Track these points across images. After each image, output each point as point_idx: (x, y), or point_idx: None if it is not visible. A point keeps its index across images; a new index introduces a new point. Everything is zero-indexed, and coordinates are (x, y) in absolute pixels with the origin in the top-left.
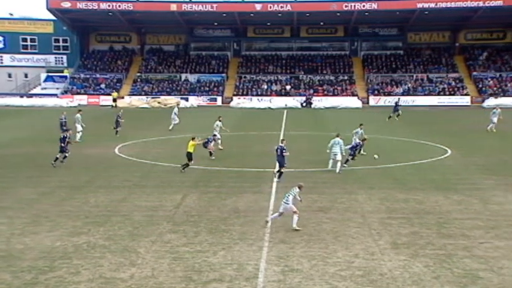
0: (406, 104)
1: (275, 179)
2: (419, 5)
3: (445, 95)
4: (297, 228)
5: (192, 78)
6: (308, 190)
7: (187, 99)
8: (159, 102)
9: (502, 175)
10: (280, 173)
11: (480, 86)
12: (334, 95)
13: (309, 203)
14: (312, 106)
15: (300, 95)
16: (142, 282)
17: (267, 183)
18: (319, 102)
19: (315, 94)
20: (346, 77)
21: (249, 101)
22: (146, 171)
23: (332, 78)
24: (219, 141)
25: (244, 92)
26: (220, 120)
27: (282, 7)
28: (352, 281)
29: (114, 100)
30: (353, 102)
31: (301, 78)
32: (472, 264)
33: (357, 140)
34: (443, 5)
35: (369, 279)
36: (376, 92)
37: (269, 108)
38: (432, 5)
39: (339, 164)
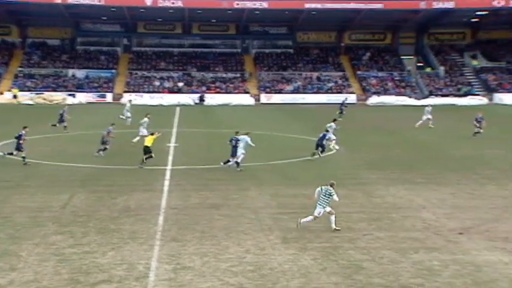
0: (297, 101)
1: (238, 169)
2: (307, 5)
3: (333, 93)
4: (337, 228)
5: (80, 73)
6: (200, 187)
7: (74, 96)
8: (44, 99)
9: (385, 170)
10: (236, 162)
11: (364, 84)
12: (226, 92)
13: (201, 200)
14: (205, 103)
15: (193, 92)
16: (23, 287)
17: (159, 181)
18: (212, 99)
19: (207, 91)
20: (238, 75)
21: (140, 97)
22: (30, 171)
23: (224, 75)
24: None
25: (136, 89)
26: (148, 118)
27: (173, 3)
28: (244, 276)
29: (15, 97)
30: (245, 99)
31: (193, 75)
32: (356, 255)
33: (332, 136)
34: (329, 5)
35: (260, 274)
36: (267, 89)
37: (161, 105)
38: (319, 6)
39: (240, 157)
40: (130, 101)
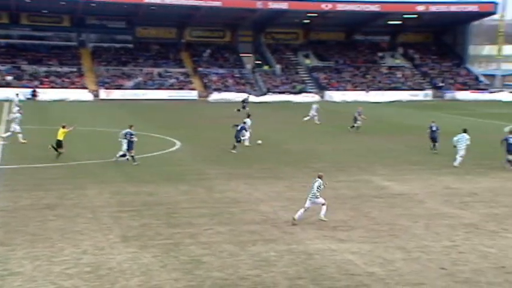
0: (138, 97)
1: (134, 163)
2: (146, 0)
3: (174, 89)
4: (325, 219)
5: None
6: (33, 187)
7: None
8: None
9: (225, 165)
10: (127, 156)
11: (205, 81)
12: (62, 87)
13: (33, 200)
14: (37, 98)
15: (24, 86)
16: None
17: None
18: (45, 94)
19: (40, 86)
20: (74, 69)
21: None
22: None
23: (59, 69)
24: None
25: None
26: (20, 113)
27: None
28: (80, 278)
29: None
30: (83, 95)
31: (24, 68)
32: (197, 250)
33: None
34: (168, 1)
35: (97, 275)
36: (107, 85)
37: None
38: (158, 1)
39: (120, 153)
40: (17, 94)
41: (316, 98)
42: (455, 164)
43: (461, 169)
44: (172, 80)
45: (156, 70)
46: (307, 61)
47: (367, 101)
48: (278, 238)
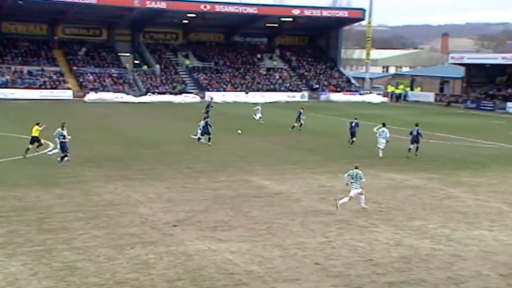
0: (5, 97)
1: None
2: None
3: (46, 88)
4: (366, 206)
5: None
6: None
7: None
8: None
9: (103, 167)
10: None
11: (81, 80)
12: None
13: None
14: None
15: None
16: None
17: None
18: None
19: None
20: None
21: None
22: None
23: None
24: None
25: None
26: None
27: None
28: None
29: None
30: None
31: None
32: (71, 256)
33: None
34: None
35: None
36: None
37: None
38: None
39: (55, 151)
40: None
41: (197, 98)
42: (380, 155)
43: (335, 167)
44: (44, 79)
45: (25, 68)
46: (187, 61)
47: (247, 102)
48: (157, 240)
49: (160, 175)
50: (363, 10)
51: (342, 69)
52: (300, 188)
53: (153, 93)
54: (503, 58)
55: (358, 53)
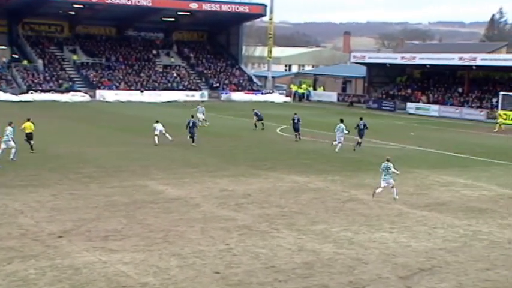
0: None
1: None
2: None
3: None
4: (397, 197)
5: None
6: None
7: None
8: None
9: None
10: None
11: None
12: None
13: None
14: None
15: None
16: None
17: None
18: None
19: None
20: None
21: None
22: None
23: None
24: None
25: None
26: None
27: None
28: None
29: None
30: None
31: None
32: None
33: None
34: None
35: None
36: None
37: None
38: None
39: (13, 150)
40: None
41: (87, 97)
42: (336, 150)
43: (236, 171)
44: None
45: None
46: (75, 57)
47: (143, 101)
48: (40, 253)
49: (44, 181)
50: (264, 6)
51: (243, 67)
52: (199, 192)
53: (36, 91)
54: (402, 58)
55: (260, 51)
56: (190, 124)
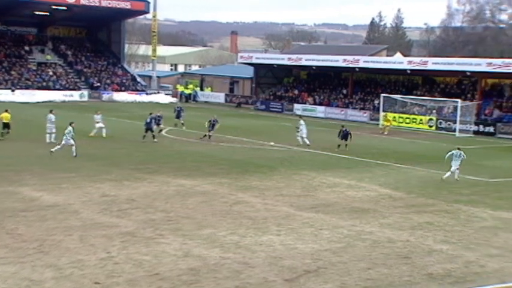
0: None
1: None
2: None
3: None
4: (457, 178)
5: None
6: None
7: None
8: None
9: None
10: None
11: None
12: None
13: None
14: None
15: None
16: None
17: None
18: None
19: None
20: None
21: None
22: None
23: None
24: None
25: None
26: None
27: None
28: None
29: None
30: None
31: None
32: None
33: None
34: None
35: None
36: None
37: None
38: None
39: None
40: None
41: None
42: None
43: (119, 175)
44: None
45: None
46: None
47: (14, 101)
48: None
49: None
50: (147, 2)
51: (126, 66)
52: (78, 198)
53: None
54: (289, 59)
55: (144, 49)
56: (148, 120)
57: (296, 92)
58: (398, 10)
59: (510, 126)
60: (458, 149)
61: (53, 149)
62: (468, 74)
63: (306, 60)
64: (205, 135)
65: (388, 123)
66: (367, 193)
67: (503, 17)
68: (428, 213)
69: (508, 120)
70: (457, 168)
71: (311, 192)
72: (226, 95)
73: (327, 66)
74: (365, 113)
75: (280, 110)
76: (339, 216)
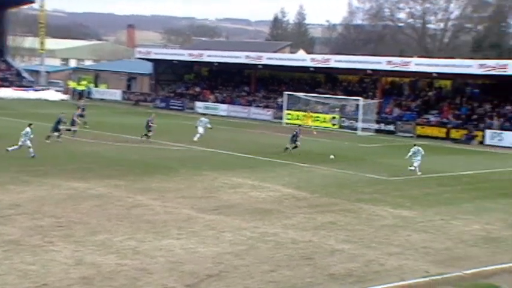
0: None
1: None
2: None
3: None
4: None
5: None
6: None
7: None
8: None
9: None
10: None
11: None
12: None
13: None
14: None
15: None
16: None
17: None
18: None
19: None
20: None
21: None
22: None
23: None
24: None
25: None
26: None
27: None
28: None
29: None
30: None
31: None
32: None
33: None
34: None
35: None
36: None
37: None
38: None
39: None
40: None
41: None
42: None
43: (3, 177)
44: None
45: None
46: None
47: None
48: None
49: None
50: None
51: (10, 60)
52: None
53: None
54: (190, 55)
55: (31, 42)
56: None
57: (198, 89)
58: (301, 7)
59: (409, 125)
60: (415, 145)
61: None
62: (369, 72)
63: (207, 56)
64: (145, 135)
65: (310, 122)
66: (270, 193)
67: (402, 15)
68: (331, 213)
69: (407, 119)
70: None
71: (213, 194)
72: (123, 92)
73: (229, 62)
74: (269, 111)
75: (181, 108)
76: (242, 217)
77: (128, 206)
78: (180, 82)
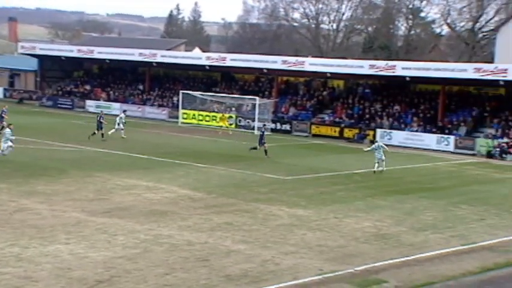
0: None
1: None
2: None
3: None
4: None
5: None
6: None
7: None
8: None
9: None
10: None
11: None
12: None
13: None
14: None
15: None
16: None
17: None
18: None
19: None
20: None
21: None
22: None
23: None
24: None
25: None
26: None
27: None
28: None
29: None
30: None
31: None
32: None
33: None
34: None
35: None
36: None
37: None
38: None
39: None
40: None
41: None
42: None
43: None
44: None
45: None
46: None
47: None
48: None
49: None
50: None
51: None
52: None
53: None
54: (79, 51)
55: None
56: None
57: (88, 87)
58: (196, 4)
59: (305, 124)
60: (376, 141)
61: None
62: (265, 71)
63: (98, 52)
64: (94, 133)
65: (224, 123)
66: (166, 195)
67: (296, 15)
68: (228, 213)
69: (302, 118)
70: (382, 160)
71: (105, 196)
72: (5, 89)
73: (122, 60)
74: (164, 110)
75: (70, 106)
76: (136, 220)
77: (10, 211)
78: (69, 79)
